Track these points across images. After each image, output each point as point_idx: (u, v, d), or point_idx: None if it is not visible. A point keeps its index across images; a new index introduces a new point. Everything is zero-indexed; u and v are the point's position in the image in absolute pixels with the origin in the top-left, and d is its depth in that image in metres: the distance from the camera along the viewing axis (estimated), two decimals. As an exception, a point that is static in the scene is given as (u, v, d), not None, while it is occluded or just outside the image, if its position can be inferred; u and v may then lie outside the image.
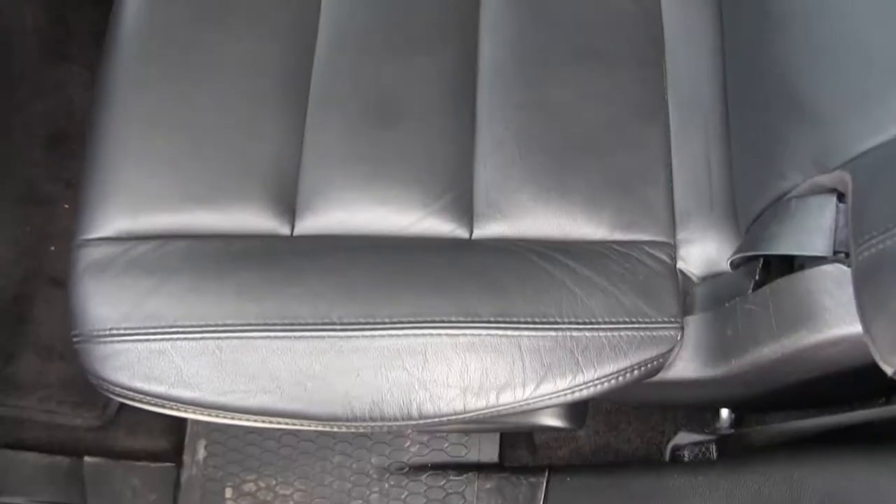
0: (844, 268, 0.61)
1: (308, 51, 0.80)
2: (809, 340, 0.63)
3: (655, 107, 0.82)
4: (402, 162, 0.76)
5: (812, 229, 0.64)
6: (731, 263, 0.73)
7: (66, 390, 1.03)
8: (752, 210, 0.72)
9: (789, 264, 0.67)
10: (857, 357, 0.61)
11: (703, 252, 0.78)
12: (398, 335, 0.69)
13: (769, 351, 0.66)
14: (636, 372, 0.72)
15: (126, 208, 0.73)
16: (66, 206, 1.12)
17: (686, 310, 0.75)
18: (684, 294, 0.76)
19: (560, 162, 0.78)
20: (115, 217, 0.73)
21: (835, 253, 0.62)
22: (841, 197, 0.63)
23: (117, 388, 0.69)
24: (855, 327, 0.59)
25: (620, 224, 0.77)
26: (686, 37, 0.85)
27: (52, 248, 1.10)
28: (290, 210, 0.75)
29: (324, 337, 0.68)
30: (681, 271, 0.77)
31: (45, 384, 1.04)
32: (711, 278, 0.77)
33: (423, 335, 0.69)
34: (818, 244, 0.63)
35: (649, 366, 0.73)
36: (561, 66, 0.82)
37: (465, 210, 0.76)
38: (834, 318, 0.61)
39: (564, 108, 0.80)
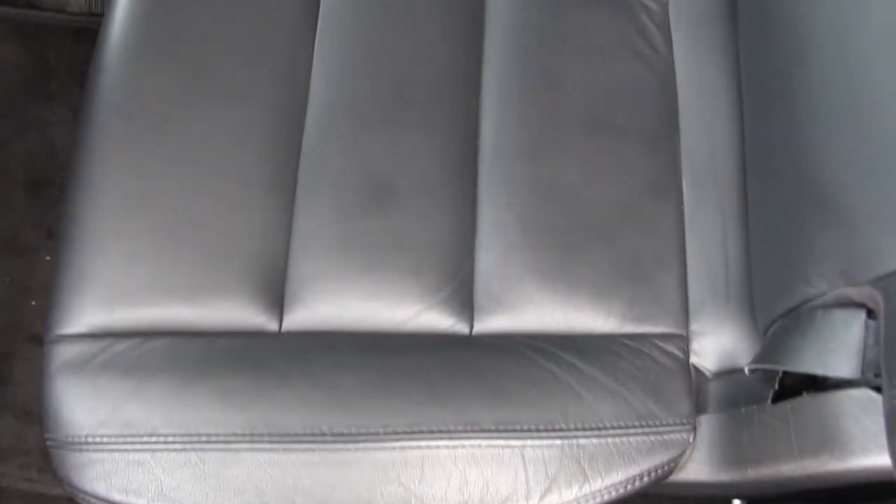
0: (874, 395, 0.57)
1: (297, 126, 0.74)
2: (832, 467, 0.59)
3: (669, 183, 0.77)
4: (397, 251, 0.71)
5: (838, 348, 0.59)
6: (749, 369, 0.69)
7: (47, 457, 0.96)
8: (772, 310, 0.68)
9: (811, 375, 0.63)
10: (883, 475, 0.57)
11: (718, 346, 0.73)
12: (393, 447, 0.65)
13: (788, 469, 0.62)
14: (646, 479, 0.68)
15: (102, 302, 0.68)
16: (48, 257, 1.08)
17: (699, 407, 0.71)
18: (697, 391, 0.72)
19: (567, 248, 0.73)
20: (91, 311, 0.68)
21: (863, 372, 0.59)
22: (870, 312, 0.59)
23: (93, 500, 0.65)
24: (883, 459, 0.55)
25: (630, 316, 0.73)
26: (702, 106, 0.80)
27: (33, 303, 1.06)
28: (277, 304, 0.70)
29: (314, 450, 0.64)
30: (693, 366, 0.73)
31: (25, 450, 1.00)
32: (726, 374, 0.73)
33: (420, 447, 0.65)
34: (844, 366, 0.58)
35: (660, 471, 0.69)
36: (569, 139, 0.77)
37: (465, 302, 0.72)
38: (860, 447, 0.57)
39: (572, 186, 0.75)
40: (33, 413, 1.01)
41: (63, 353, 0.67)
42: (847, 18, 0.61)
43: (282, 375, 0.66)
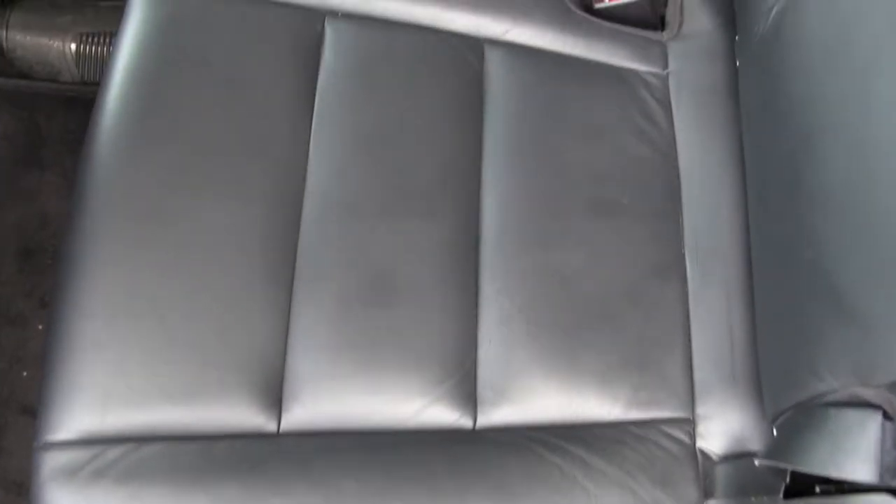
0: (893, 501, 0.55)
1: (293, 218, 0.72)
2: (850, 572, 0.57)
3: (672, 263, 0.76)
4: (398, 345, 0.69)
5: (853, 449, 0.58)
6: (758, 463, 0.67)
7: (40, 535, 0.96)
8: (780, 400, 0.66)
9: (824, 469, 0.62)
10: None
11: (725, 428, 0.72)
12: (395, 557, 0.63)
13: (803, 568, 0.61)
14: (655, 572, 0.66)
15: (93, 406, 0.65)
16: (41, 326, 1.06)
17: (707, 491, 0.70)
18: (704, 476, 0.70)
19: (571, 336, 0.72)
20: (82, 416, 0.65)
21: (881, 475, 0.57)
22: (886, 413, 0.57)
23: None
24: (903, 567, 0.54)
25: (637, 402, 0.71)
26: (704, 181, 0.79)
27: (25, 374, 1.04)
28: (276, 403, 0.67)
29: (313, 561, 0.62)
30: (700, 451, 0.71)
31: (16, 526, 0.98)
32: (734, 458, 0.71)
33: (423, 555, 0.63)
34: (860, 469, 0.57)
35: (668, 563, 0.67)
36: (571, 224, 0.75)
37: (468, 396, 0.70)
38: (880, 555, 0.55)
39: (575, 272, 0.74)
40: (24, 486, 0.99)
41: (52, 462, 0.64)
42: (852, 112, 0.59)
43: (281, 480, 0.64)
